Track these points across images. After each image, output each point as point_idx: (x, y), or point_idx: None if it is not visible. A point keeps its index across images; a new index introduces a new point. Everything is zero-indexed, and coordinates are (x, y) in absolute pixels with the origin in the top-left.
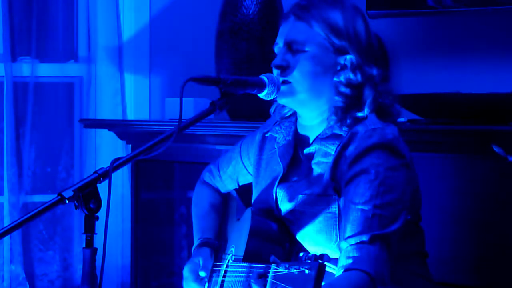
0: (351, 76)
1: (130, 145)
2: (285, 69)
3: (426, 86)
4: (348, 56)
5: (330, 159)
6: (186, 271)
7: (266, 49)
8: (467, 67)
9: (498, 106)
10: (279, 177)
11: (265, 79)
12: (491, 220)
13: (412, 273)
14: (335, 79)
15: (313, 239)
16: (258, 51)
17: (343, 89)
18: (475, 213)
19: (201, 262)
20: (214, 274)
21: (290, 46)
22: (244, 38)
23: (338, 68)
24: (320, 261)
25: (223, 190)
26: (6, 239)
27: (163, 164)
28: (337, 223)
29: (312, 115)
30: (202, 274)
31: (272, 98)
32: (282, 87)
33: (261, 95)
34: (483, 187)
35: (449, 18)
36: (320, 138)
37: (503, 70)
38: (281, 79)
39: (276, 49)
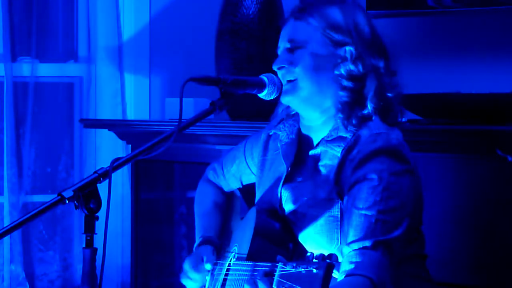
0: (352, 67)
1: (130, 145)
2: (287, 68)
3: (426, 86)
4: (347, 48)
5: (335, 162)
6: (186, 264)
7: (266, 49)
8: (467, 67)
9: (498, 106)
10: (283, 177)
11: (265, 79)
12: (491, 220)
13: (412, 275)
14: (335, 72)
15: (314, 241)
16: (258, 51)
17: (345, 82)
18: (475, 213)
19: (204, 258)
20: (216, 272)
21: (290, 46)
22: (244, 38)
23: (339, 60)
24: (328, 261)
25: (226, 189)
26: (6, 239)
27: (163, 164)
28: (339, 226)
29: (315, 115)
30: (208, 267)
31: (272, 98)
32: (285, 86)
33: (261, 95)
34: (483, 187)
35: (449, 18)
36: (326, 140)
37: (503, 70)
38: (286, 78)
39: (279, 53)
